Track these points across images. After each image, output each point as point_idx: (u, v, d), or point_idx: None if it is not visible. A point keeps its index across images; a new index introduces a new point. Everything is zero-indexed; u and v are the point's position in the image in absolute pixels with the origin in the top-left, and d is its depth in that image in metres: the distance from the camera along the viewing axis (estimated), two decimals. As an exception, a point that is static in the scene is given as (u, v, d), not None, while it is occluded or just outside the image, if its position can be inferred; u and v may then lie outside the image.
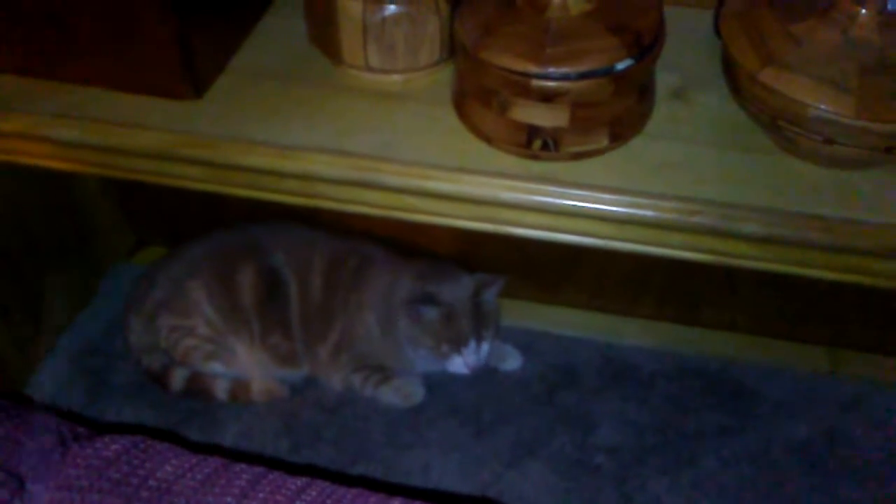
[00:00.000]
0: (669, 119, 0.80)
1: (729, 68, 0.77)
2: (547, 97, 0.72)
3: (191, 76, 0.81)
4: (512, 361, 1.24)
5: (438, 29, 0.81)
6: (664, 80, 0.82)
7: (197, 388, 1.16)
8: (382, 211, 0.80)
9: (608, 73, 0.71)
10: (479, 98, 0.76)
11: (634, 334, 1.29)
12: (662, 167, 0.75)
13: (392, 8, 0.78)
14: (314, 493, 0.54)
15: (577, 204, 0.73)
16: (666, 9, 0.78)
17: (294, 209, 0.84)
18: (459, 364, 1.12)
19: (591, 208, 0.73)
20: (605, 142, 0.75)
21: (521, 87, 0.72)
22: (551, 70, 0.70)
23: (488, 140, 0.77)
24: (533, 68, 0.71)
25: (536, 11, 0.74)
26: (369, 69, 0.83)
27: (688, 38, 0.87)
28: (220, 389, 1.16)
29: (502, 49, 0.72)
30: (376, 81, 0.83)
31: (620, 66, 0.71)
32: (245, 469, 0.55)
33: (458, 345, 1.10)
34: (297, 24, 0.88)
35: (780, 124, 0.72)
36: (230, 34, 0.88)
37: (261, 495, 0.53)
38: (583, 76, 0.71)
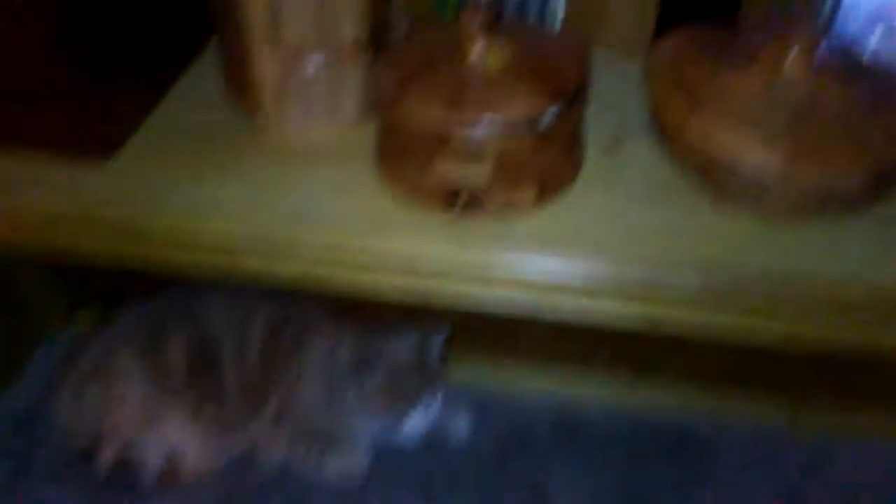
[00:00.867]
0: (600, 172, 0.77)
1: (657, 119, 0.74)
2: (468, 153, 0.68)
3: (100, 136, 0.77)
4: (462, 426, 1.19)
5: (360, 85, 0.78)
6: (596, 131, 0.80)
7: (126, 464, 1.09)
8: (296, 284, 0.75)
9: (531, 126, 0.68)
10: (399, 155, 0.73)
11: (588, 394, 1.24)
12: (592, 222, 0.72)
13: (311, 65, 0.75)
14: None
15: (501, 268, 0.69)
16: (598, 57, 0.75)
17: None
18: (416, 422, 1.06)
19: (516, 272, 0.69)
20: (531, 198, 0.72)
21: (441, 143, 0.68)
22: (472, 124, 0.67)
23: (409, 198, 0.73)
24: (453, 123, 0.67)
25: (455, 65, 0.71)
26: (288, 127, 0.79)
27: (621, 88, 0.85)
28: (151, 465, 1.09)
29: (421, 104, 0.69)
30: (296, 139, 0.80)
31: (544, 118, 0.68)
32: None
33: (412, 403, 1.05)
34: (218, 81, 0.85)
35: (710, 175, 0.69)
36: (145, 92, 0.84)
37: None
38: (505, 130, 0.68)
